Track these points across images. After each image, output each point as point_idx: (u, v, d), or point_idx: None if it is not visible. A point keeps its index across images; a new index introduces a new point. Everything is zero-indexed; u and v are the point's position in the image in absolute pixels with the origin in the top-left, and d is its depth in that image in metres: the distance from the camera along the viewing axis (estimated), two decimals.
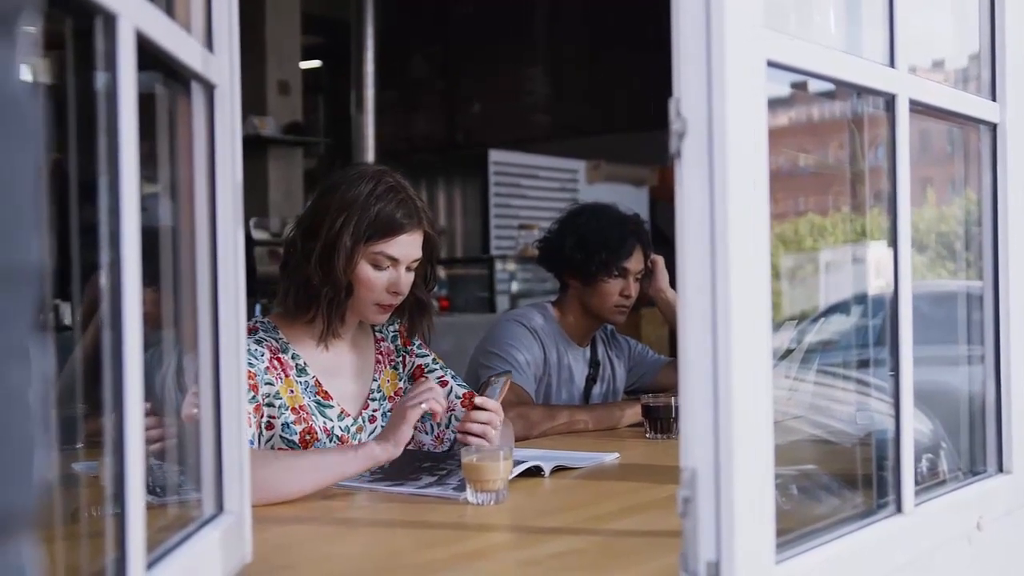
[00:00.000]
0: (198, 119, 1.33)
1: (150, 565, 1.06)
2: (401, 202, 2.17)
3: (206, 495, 1.33)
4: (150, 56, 1.09)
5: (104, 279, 0.99)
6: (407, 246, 2.18)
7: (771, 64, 1.23)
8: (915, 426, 1.54)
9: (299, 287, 2.18)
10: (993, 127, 1.78)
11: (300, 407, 2.16)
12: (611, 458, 2.32)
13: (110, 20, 0.97)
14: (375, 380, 2.33)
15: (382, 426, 2.28)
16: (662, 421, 2.62)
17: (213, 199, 1.34)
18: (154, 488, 1.31)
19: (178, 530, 1.24)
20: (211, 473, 1.34)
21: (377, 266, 2.17)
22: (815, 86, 1.53)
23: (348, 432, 2.23)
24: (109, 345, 0.98)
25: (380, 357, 2.37)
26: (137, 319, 1.00)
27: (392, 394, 2.35)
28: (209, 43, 1.33)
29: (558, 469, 2.15)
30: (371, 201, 2.14)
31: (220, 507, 1.34)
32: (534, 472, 2.08)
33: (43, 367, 0.59)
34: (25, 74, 0.58)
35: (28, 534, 0.58)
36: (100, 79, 0.99)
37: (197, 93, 1.32)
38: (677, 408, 2.60)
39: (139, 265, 1.00)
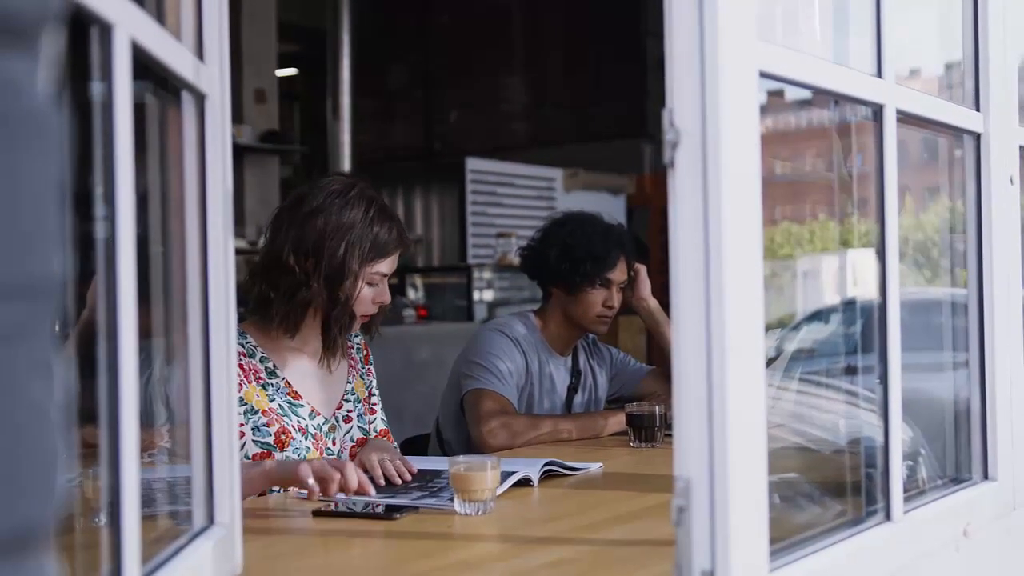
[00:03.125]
0: (188, 129, 1.32)
1: None
2: (393, 222, 2.29)
3: (197, 507, 1.33)
4: (141, 65, 1.09)
5: (99, 289, 0.98)
6: (395, 262, 2.31)
7: (763, 74, 1.24)
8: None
9: (300, 307, 2.23)
10: (977, 136, 1.79)
11: (270, 409, 2.21)
12: (596, 467, 2.32)
13: (106, 30, 0.96)
14: (349, 382, 2.40)
15: (358, 426, 2.37)
16: (646, 430, 2.62)
17: (203, 208, 1.33)
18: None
19: (169, 542, 1.24)
20: (202, 485, 1.33)
21: (371, 283, 2.27)
22: (791, 94, 1.53)
23: (321, 431, 2.29)
24: (104, 356, 0.97)
25: (352, 362, 2.44)
26: (132, 329, 0.99)
27: (362, 399, 2.43)
28: (200, 53, 1.32)
29: (547, 475, 2.15)
30: (369, 225, 2.23)
31: (211, 519, 1.33)
32: (522, 482, 2.08)
33: (63, 381, 0.58)
34: (47, 87, 0.58)
35: (50, 548, 0.57)
36: (95, 88, 0.98)
37: (188, 103, 1.31)
38: (661, 416, 2.62)
39: (134, 275, 1.00)
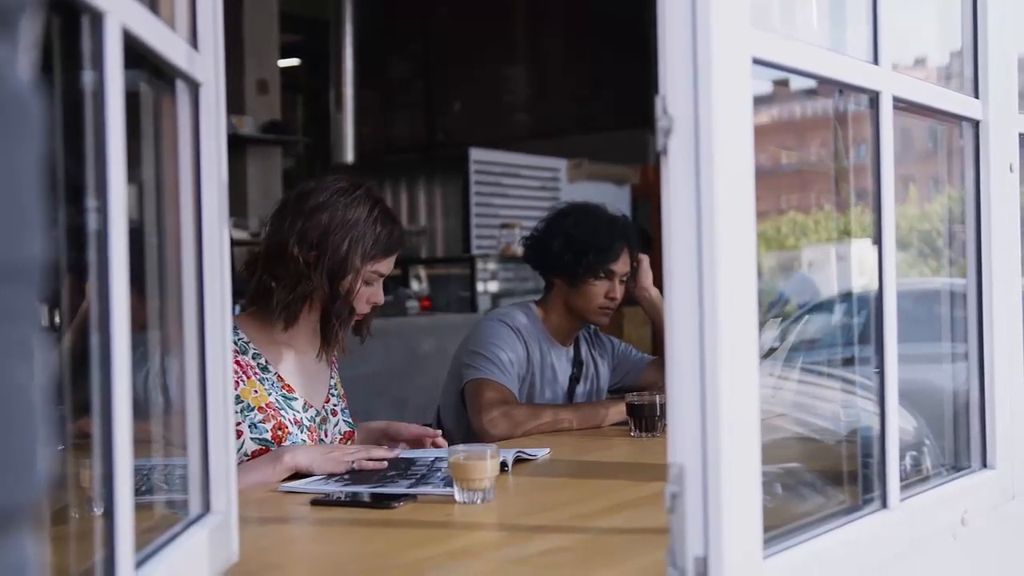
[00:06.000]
0: (183, 118, 1.32)
1: (138, 564, 1.06)
2: (395, 225, 2.32)
3: (193, 495, 1.33)
4: (134, 54, 1.09)
5: (91, 280, 0.99)
6: (392, 263, 2.34)
7: (756, 61, 1.24)
8: (898, 423, 1.54)
9: (300, 300, 2.25)
10: (976, 124, 1.79)
11: (267, 405, 2.23)
12: (544, 453, 2.34)
13: (97, 18, 0.96)
14: (332, 378, 2.44)
15: (344, 420, 2.41)
16: (646, 419, 2.62)
17: (198, 198, 1.33)
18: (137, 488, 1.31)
19: (164, 530, 1.24)
20: (198, 473, 1.33)
21: (368, 282, 2.29)
22: (796, 84, 1.53)
23: (314, 423, 2.31)
24: (97, 347, 0.97)
25: (334, 358, 2.46)
26: (125, 320, 0.99)
27: (342, 394, 2.46)
28: (194, 41, 1.32)
29: (519, 461, 2.20)
30: (372, 224, 2.26)
31: (207, 507, 1.34)
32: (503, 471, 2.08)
33: (46, 363, 0.59)
34: (26, 72, 0.58)
35: (31, 529, 0.58)
36: (86, 77, 0.98)
37: (182, 92, 1.31)
38: (662, 406, 2.62)
39: (127, 266, 1.00)
